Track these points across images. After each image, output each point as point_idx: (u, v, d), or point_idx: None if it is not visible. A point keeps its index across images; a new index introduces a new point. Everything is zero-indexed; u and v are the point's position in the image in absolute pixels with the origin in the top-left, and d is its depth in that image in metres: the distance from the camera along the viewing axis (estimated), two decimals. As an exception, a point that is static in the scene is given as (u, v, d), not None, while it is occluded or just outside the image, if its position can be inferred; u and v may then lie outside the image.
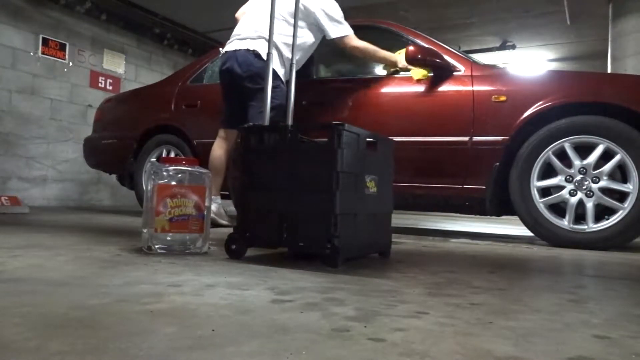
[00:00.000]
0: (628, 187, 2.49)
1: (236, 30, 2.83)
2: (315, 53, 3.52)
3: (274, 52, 2.68)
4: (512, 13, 6.68)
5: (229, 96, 2.90)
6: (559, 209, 2.65)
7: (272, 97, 2.68)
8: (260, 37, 2.73)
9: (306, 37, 2.83)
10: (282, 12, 2.75)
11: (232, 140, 2.96)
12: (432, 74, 2.88)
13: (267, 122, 2.18)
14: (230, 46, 2.80)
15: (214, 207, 2.80)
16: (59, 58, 5.62)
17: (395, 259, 1.85)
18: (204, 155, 3.39)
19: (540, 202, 2.64)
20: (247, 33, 2.78)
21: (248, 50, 2.73)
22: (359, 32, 3.54)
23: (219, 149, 2.98)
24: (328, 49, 3.67)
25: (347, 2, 6.25)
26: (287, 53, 2.73)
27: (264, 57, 2.56)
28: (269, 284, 1.21)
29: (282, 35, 2.72)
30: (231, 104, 2.90)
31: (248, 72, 2.72)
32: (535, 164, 2.64)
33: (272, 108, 2.69)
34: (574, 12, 6.39)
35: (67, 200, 5.75)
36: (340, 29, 2.85)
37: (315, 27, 2.85)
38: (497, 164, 2.69)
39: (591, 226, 2.53)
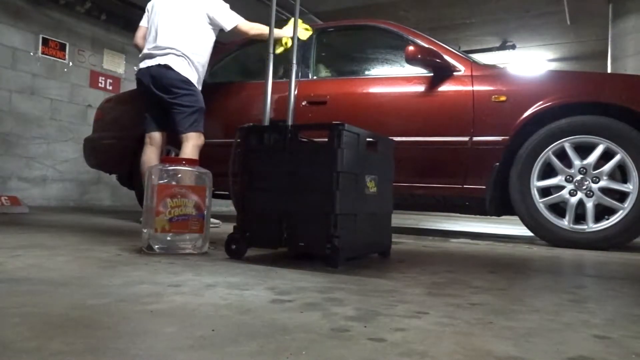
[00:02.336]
0: (628, 187, 2.49)
1: (145, 51, 2.99)
2: (315, 53, 3.52)
3: (185, 62, 2.90)
4: (512, 13, 6.68)
5: (150, 106, 3.05)
6: (559, 209, 2.65)
7: (193, 102, 2.92)
8: (168, 53, 2.90)
9: (210, 38, 3.05)
10: (182, 22, 2.94)
11: (159, 142, 3.09)
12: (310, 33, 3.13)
13: (267, 122, 2.17)
14: (143, 64, 2.97)
15: None
16: (59, 58, 5.62)
17: (396, 259, 1.85)
18: (204, 155, 3.39)
19: (540, 202, 2.64)
20: (155, 50, 2.93)
21: (159, 65, 2.88)
22: (359, 32, 3.56)
23: (151, 154, 3.06)
24: (328, 50, 3.68)
25: (347, 2, 6.30)
26: (198, 59, 2.97)
27: (175, 68, 2.86)
28: (269, 284, 1.21)
29: (188, 44, 2.93)
30: (152, 112, 3.05)
31: (162, 85, 2.88)
32: (535, 164, 2.64)
33: (194, 111, 2.93)
34: (574, 12, 6.39)
35: (67, 200, 5.74)
36: (233, 19, 3.03)
37: (210, 25, 3.02)
38: (497, 164, 2.69)
39: (591, 226, 2.53)
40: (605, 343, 0.81)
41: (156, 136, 3.09)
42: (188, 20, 2.96)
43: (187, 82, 2.91)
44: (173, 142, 3.76)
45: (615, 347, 0.79)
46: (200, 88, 3.04)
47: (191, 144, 2.90)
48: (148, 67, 2.93)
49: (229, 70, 3.99)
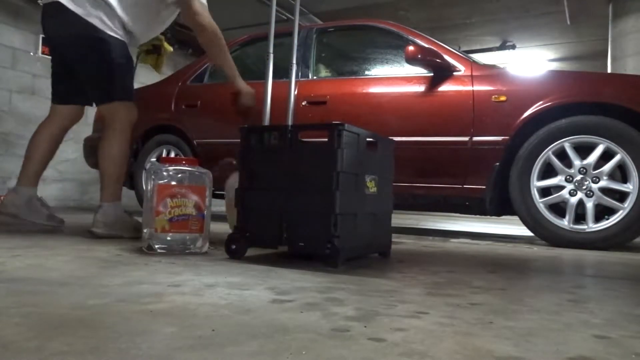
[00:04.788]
0: (628, 187, 2.49)
1: None
2: (315, 53, 3.52)
3: (89, 5, 2.10)
4: (512, 13, 6.69)
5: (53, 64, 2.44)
6: (559, 209, 2.65)
7: (105, 58, 2.15)
8: None
9: None
10: None
11: (65, 116, 2.50)
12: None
13: (267, 121, 2.17)
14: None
15: (17, 198, 2.34)
16: (59, 58, 5.62)
17: (395, 258, 1.85)
18: (204, 155, 3.40)
19: (540, 202, 2.64)
20: None
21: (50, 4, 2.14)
22: (359, 32, 3.56)
23: (41, 129, 2.51)
24: (328, 50, 3.68)
25: (347, 2, 6.30)
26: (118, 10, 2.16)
27: (73, 9, 2.09)
28: (269, 284, 1.21)
29: None
30: (56, 74, 2.47)
31: (55, 33, 2.23)
32: (535, 164, 2.64)
33: (110, 72, 2.16)
34: (574, 12, 6.40)
35: (67, 200, 5.74)
36: None
37: None
38: (497, 163, 2.69)
39: (591, 226, 2.53)
40: (605, 343, 0.81)
41: (60, 110, 2.49)
42: None
43: (90, 27, 2.11)
44: (176, 143, 3.77)
45: (615, 347, 0.79)
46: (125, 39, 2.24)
47: (119, 118, 2.22)
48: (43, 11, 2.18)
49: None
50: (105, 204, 2.21)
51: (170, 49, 2.70)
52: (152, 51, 2.67)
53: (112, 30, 2.17)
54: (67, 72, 2.41)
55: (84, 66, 2.25)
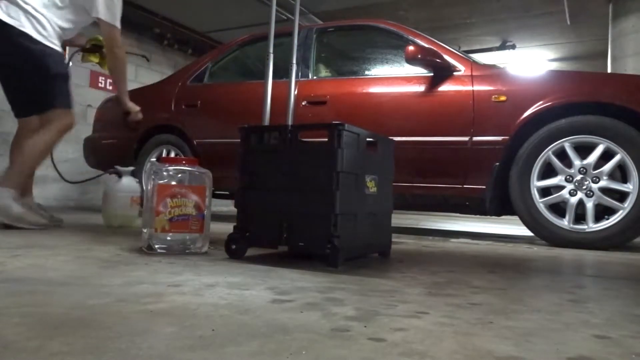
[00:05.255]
0: (628, 187, 2.49)
1: None
2: (315, 53, 3.52)
3: (23, 17, 2.19)
4: (512, 13, 6.68)
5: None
6: (559, 209, 2.65)
7: (45, 65, 2.24)
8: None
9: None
10: None
11: (32, 125, 2.45)
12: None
13: (266, 121, 2.18)
14: None
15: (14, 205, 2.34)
16: (59, 58, 5.61)
17: (395, 258, 1.85)
18: (204, 155, 3.41)
19: (540, 202, 2.64)
20: None
21: None
22: (359, 32, 3.56)
23: (17, 142, 2.52)
24: (328, 50, 3.68)
25: (347, 2, 6.30)
26: (48, 14, 2.27)
27: (9, 21, 2.16)
28: (269, 284, 1.21)
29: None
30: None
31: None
32: (535, 164, 2.64)
33: (51, 78, 2.25)
34: (574, 12, 6.39)
35: (67, 200, 5.74)
36: (111, 15, 2.40)
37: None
38: (497, 163, 2.69)
39: (591, 226, 2.53)
40: (605, 343, 0.81)
41: (25, 122, 2.47)
42: None
43: (27, 38, 2.20)
44: (167, 142, 3.77)
45: (615, 347, 0.79)
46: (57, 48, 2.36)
47: (55, 123, 2.30)
48: None
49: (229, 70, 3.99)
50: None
51: None
52: (92, 50, 2.82)
53: (48, 40, 2.27)
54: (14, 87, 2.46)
55: (22, 77, 2.31)
